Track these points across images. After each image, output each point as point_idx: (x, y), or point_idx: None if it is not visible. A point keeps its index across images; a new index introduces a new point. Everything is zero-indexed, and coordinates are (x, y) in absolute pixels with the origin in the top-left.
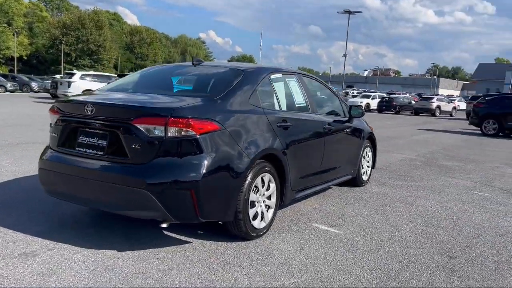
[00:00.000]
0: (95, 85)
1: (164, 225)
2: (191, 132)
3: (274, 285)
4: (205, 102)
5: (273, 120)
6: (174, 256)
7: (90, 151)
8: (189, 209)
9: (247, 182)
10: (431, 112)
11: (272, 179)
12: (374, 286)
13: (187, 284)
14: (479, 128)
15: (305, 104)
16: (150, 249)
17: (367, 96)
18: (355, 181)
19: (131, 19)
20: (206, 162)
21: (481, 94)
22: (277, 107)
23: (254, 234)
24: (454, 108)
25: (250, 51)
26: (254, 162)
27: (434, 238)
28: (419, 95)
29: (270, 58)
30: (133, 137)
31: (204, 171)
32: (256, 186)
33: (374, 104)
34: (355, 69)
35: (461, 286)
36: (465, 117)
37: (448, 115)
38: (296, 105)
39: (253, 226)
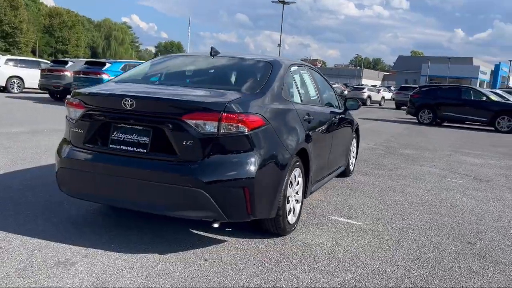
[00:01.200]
0: (22, 71)
1: (215, 225)
2: (243, 128)
3: (337, 281)
4: (250, 97)
5: (300, 113)
6: (221, 257)
7: (129, 148)
8: (242, 207)
9: (286, 177)
10: (363, 102)
11: (300, 173)
12: (426, 277)
13: (253, 285)
14: (415, 117)
15: (316, 97)
16: (191, 250)
17: None
18: (345, 172)
19: (46, 0)
20: (257, 159)
21: (416, 85)
22: (298, 100)
23: (288, 230)
24: (383, 97)
25: (176, 37)
26: (293, 157)
27: (444, 225)
28: (346, 85)
29: (198, 45)
30: (183, 134)
31: (256, 167)
32: (290, 181)
33: None
34: None
35: (497, 270)
36: (393, 106)
37: (377, 104)
38: (311, 98)
39: (288, 221)
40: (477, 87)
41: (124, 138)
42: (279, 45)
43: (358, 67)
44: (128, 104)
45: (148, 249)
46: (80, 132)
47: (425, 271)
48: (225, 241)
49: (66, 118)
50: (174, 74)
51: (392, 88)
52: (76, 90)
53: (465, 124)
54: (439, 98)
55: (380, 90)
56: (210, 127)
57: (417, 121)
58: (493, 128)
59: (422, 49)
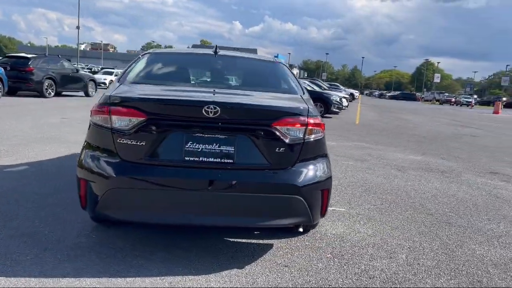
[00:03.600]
0: None
1: (301, 230)
2: (320, 131)
3: (402, 263)
4: (307, 100)
5: None
6: (294, 260)
7: (211, 159)
8: (320, 209)
9: None
10: None
11: None
12: (448, 246)
13: (357, 280)
14: None
15: None
16: (261, 259)
17: (109, 73)
18: None
19: None
20: (328, 160)
21: None
22: None
23: None
24: None
25: None
26: None
27: (395, 202)
28: None
29: None
30: (273, 141)
31: (330, 169)
32: None
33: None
34: (61, 41)
35: (472, 231)
36: None
37: None
38: None
39: None
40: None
41: (202, 148)
42: (78, 27)
43: None
44: (211, 111)
45: (220, 266)
46: (138, 144)
47: (440, 242)
48: (272, 244)
49: (99, 126)
50: (207, 75)
51: None
52: (123, 95)
53: None
54: None
55: None
56: (298, 132)
57: None
58: None
59: (207, 38)
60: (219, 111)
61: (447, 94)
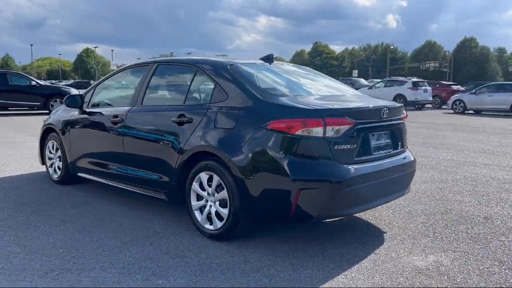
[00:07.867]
0: None
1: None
2: None
3: (462, 230)
4: None
5: None
6: (389, 231)
7: (384, 151)
8: None
9: None
10: None
11: None
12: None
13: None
14: None
15: None
16: (358, 248)
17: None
18: None
19: None
20: None
21: None
22: None
23: None
24: None
25: None
26: None
27: None
28: None
29: None
30: (403, 131)
31: None
32: None
33: None
34: None
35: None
36: None
37: None
38: None
39: None
40: (22, 72)
41: (378, 144)
42: None
43: None
44: (385, 113)
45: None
46: (349, 148)
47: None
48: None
49: (309, 138)
50: (318, 84)
51: None
52: (333, 107)
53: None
54: None
55: None
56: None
57: None
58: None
59: None
60: (388, 112)
61: None
